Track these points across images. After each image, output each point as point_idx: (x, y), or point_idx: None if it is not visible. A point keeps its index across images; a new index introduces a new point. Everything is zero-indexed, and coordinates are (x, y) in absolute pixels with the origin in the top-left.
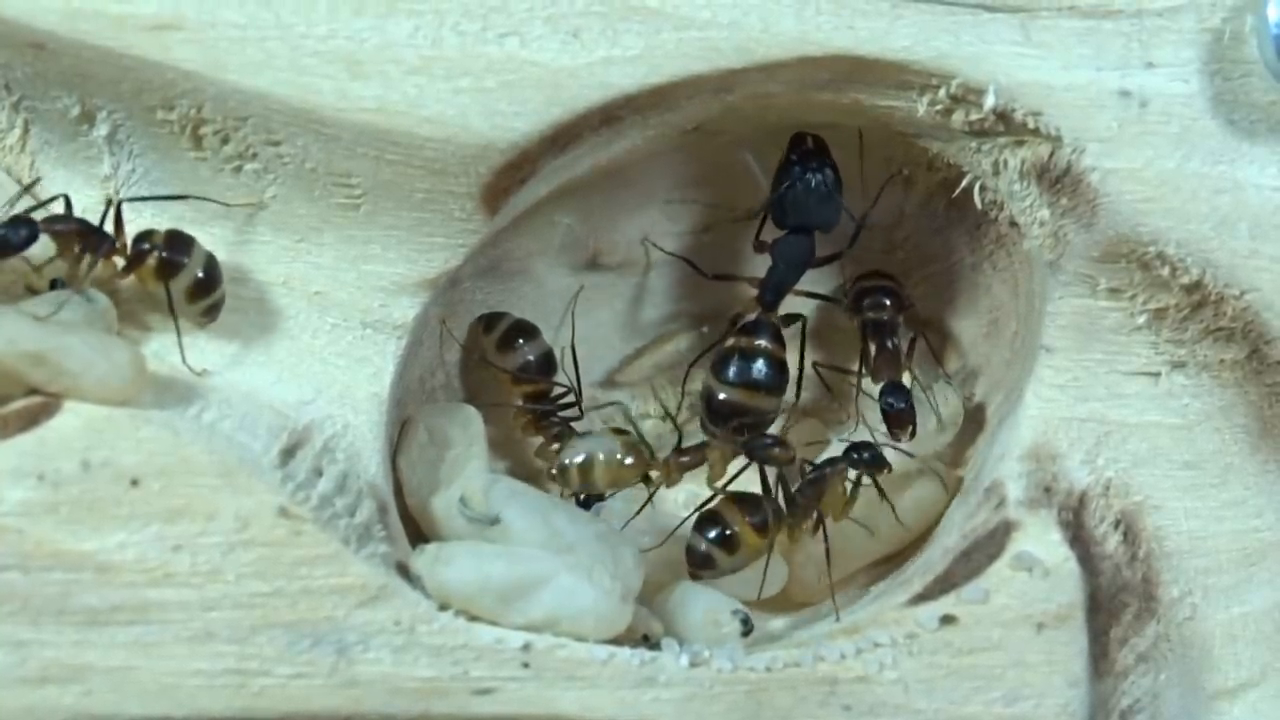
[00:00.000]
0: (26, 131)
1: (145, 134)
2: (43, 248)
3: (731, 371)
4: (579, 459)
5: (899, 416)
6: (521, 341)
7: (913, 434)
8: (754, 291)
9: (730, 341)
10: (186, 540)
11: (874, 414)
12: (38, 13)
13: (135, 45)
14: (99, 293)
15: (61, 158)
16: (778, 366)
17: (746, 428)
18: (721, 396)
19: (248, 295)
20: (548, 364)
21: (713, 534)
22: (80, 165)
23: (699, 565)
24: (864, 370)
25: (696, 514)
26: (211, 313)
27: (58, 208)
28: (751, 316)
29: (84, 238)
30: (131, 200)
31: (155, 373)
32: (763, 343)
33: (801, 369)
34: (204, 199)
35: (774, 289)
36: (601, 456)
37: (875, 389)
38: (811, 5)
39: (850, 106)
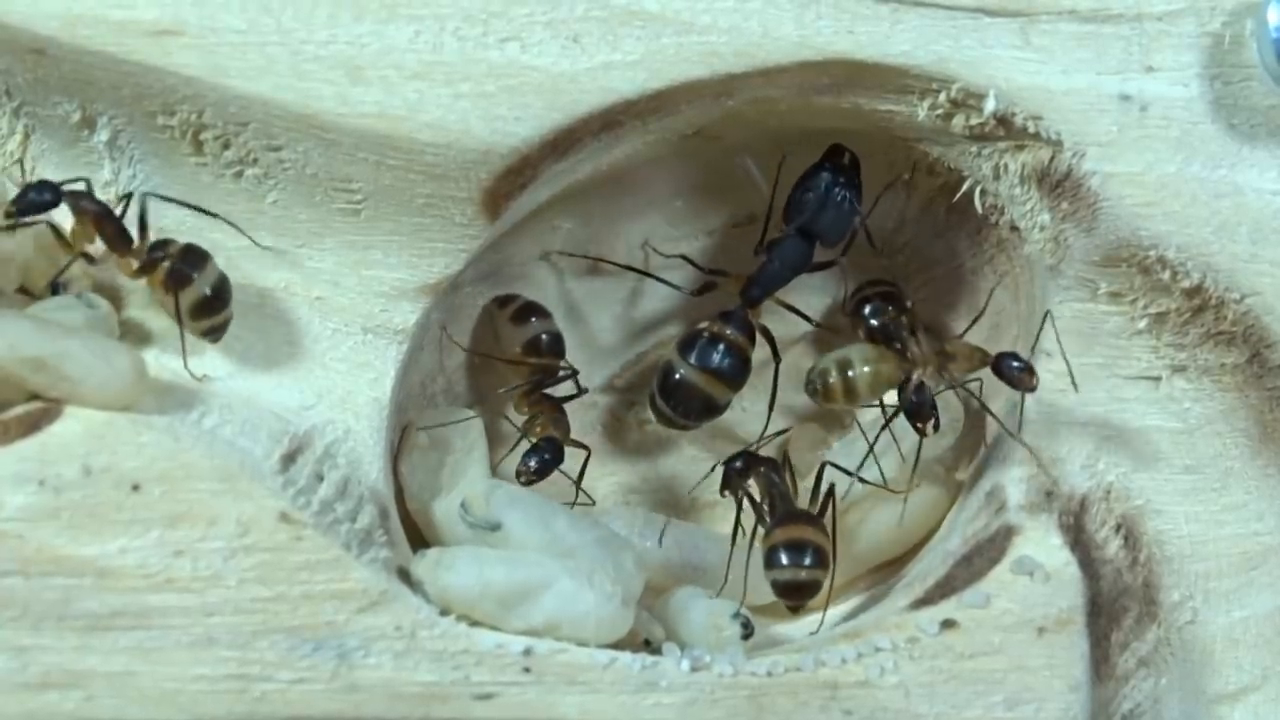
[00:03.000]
0: (27, 137)
1: (146, 139)
2: (17, 245)
3: (694, 353)
4: (837, 366)
5: (919, 411)
6: (534, 319)
7: (935, 427)
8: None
9: (702, 324)
10: (188, 545)
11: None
12: (39, 18)
13: (136, 51)
14: (100, 298)
15: (62, 163)
16: (740, 360)
17: (694, 414)
18: (678, 375)
19: (248, 301)
20: (558, 345)
21: (808, 560)
22: (81, 171)
23: (807, 593)
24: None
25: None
26: (214, 333)
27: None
28: (731, 307)
29: (101, 223)
30: (157, 198)
31: (156, 378)
32: (731, 333)
33: (776, 377)
34: (232, 225)
35: (762, 285)
36: (858, 360)
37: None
38: (811, 10)
39: (850, 111)
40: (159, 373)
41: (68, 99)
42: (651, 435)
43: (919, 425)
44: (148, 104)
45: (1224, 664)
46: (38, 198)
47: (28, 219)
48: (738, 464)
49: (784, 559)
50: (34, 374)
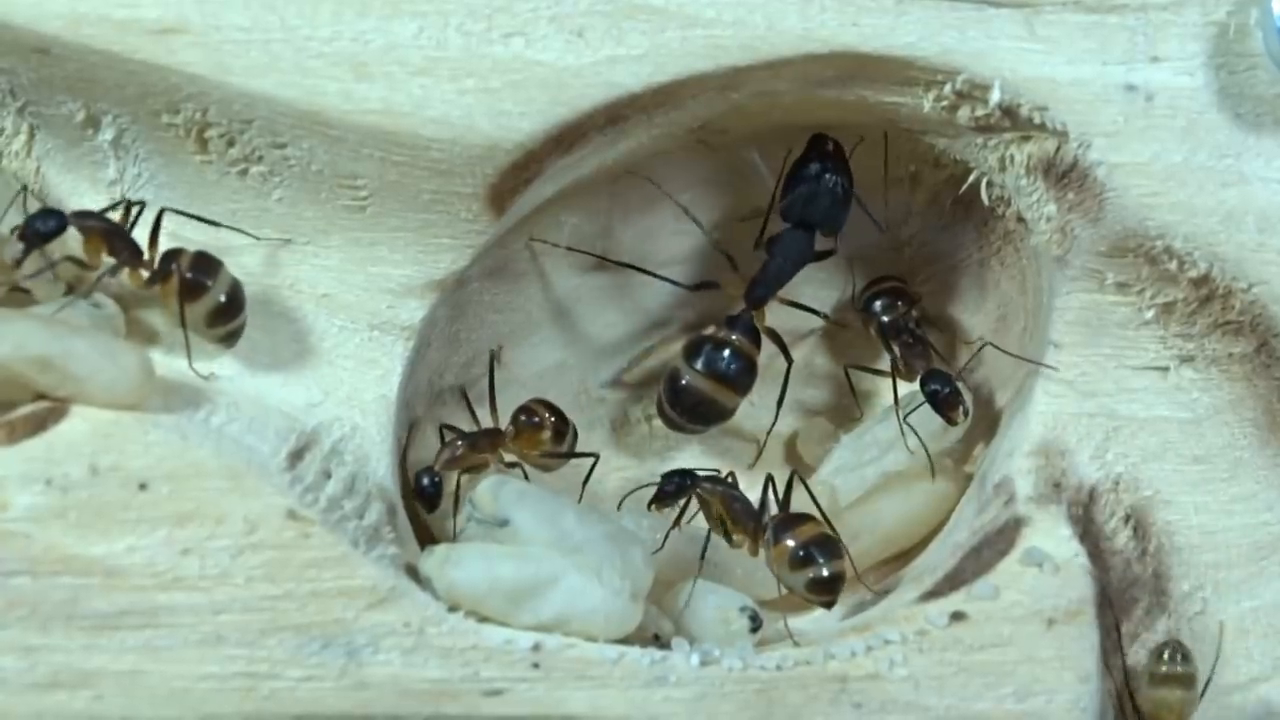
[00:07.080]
0: (32, 137)
1: (150, 138)
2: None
3: (701, 359)
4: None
5: (947, 400)
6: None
7: (965, 414)
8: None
9: (708, 330)
10: (195, 544)
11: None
12: (42, 18)
13: (139, 49)
14: (106, 298)
15: (67, 163)
16: (747, 364)
17: (702, 419)
18: (685, 381)
19: (254, 298)
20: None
21: (835, 553)
22: (86, 170)
23: (841, 585)
24: (896, 372)
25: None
26: (231, 339)
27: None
28: (735, 311)
29: (111, 240)
30: (175, 213)
31: (163, 377)
32: (737, 338)
33: (786, 381)
34: (236, 229)
35: (765, 284)
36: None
37: (913, 385)
38: (816, 3)
39: (856, 104)
40: (165, 371)
41: (72, 98)
42: (659, 430)
43: (949, 414)
44: (152, 102)
45: (1234, 654)
46: (43, 227)
47: (36, 247)
48: (681, 482)
49: (818, 557)
50: (40, 373)
